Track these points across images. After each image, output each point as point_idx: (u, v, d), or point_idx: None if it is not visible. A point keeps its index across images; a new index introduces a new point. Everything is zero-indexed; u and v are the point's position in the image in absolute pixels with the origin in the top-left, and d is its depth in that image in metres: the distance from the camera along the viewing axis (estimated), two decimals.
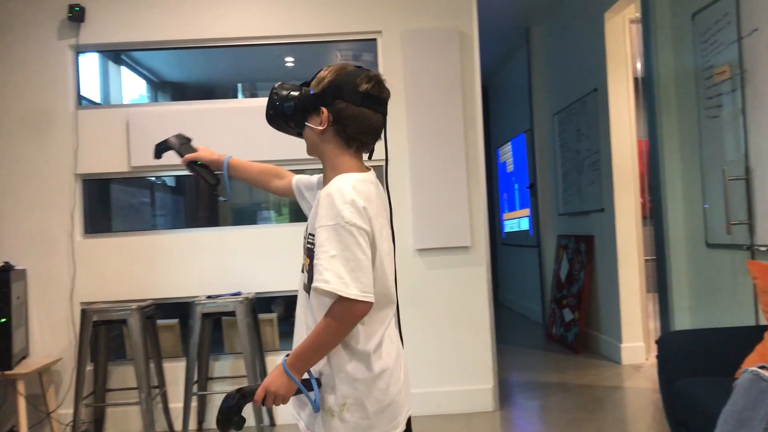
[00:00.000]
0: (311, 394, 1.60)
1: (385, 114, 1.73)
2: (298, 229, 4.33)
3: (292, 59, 5.23)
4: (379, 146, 1.79)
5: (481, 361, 4.26)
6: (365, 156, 1.77)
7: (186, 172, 4.38)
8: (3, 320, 3.72)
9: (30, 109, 4.24)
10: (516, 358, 5.82)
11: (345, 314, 1.53)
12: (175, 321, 4.44)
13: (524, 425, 4.13)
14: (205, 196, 5.11)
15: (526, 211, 7.84)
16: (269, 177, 2.07)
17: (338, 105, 1.66)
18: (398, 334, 1.73)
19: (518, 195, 8.23)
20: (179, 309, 4.41)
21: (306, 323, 1.66)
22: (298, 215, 4.90)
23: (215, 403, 4.17)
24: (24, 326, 4.06)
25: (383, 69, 4.33)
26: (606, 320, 5.62)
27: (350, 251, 1.53)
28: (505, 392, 4.63)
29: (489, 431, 3.96)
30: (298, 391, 1.59)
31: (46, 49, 4.26)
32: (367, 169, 1.73)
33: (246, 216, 4.97)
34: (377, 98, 1.68)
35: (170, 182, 5.44)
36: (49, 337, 4.20)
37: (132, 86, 5.32)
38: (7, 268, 3.83)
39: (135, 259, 4.25)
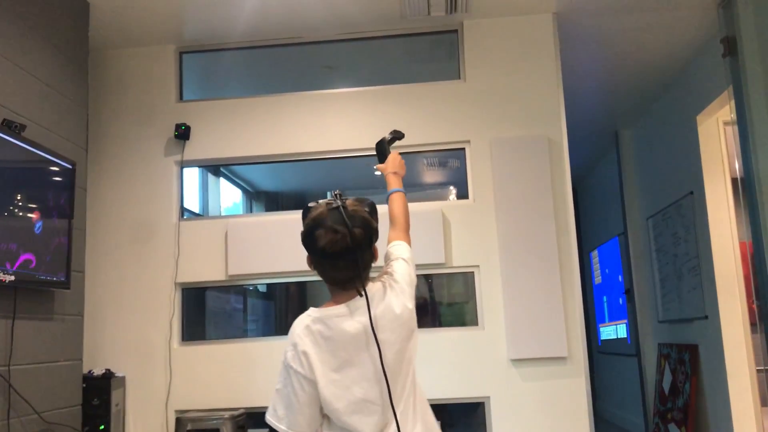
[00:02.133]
0: None
1: (356, 258, 1.70)
2: None
3: None
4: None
5: None
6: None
7: (278, 280, 4.50)
8: (102, 427, 3.80)
9: (136, 221, 4.49)
10: None
11: None
12: (266, 431, 4.41)
13: None
14: (295, 301, 5.18)
15: (623, 321, 7.53)
16: None
17: (311, 247, 1.74)
18: None
19: (610, 303, 7.95)
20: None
21: None
22: None
23: None
24: None
25: (472, 176, 4.37)
26: None
27: (287, 389, 1.69)
28: None
29: None
30: None
31: (153, 164, 4.55)
32: (350, 299, 1.72)
33: None
34: (335, 255, 1.69)
35: (262, 288, 5.57)
36: None
37: (229, 195, 5.58)
38: (109, 375, 3.95)
39: (228, 367, 4.30)
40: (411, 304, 1.78)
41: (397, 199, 2.05)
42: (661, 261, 6.28)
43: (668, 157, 5.94)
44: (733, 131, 4.99)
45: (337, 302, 1.74)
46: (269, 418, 1.71)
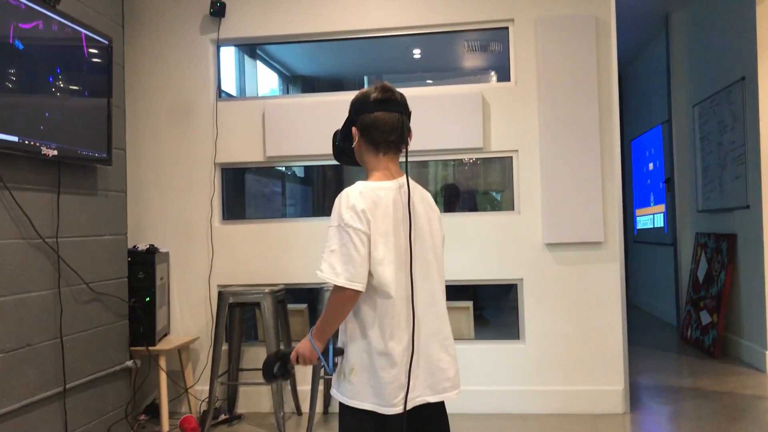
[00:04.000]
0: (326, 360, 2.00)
1: (401, 112, 2.04)
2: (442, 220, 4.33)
3: (419, 51, 5.23)
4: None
5: (611, 362, 4.09)
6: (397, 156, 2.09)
7: (316, 163, 4.52)
8: (147, 299, 3.97)
9: (174, 101, 4.49)
10: (647, 360, 5.55)
11: (338, 297, 1.93)
12: (303, 306, 4.58)
13: (657, 430, 3.94)
14: (332, 186, 5.23)
15: (661, 207, 7.46)
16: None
17: (360, 119, 2.04)
18: (410, 329, 1.97)
19: (652, 190, 7.85)
20: (308, 294, 4.54)
21: None
22: None
23: None
24: (166, 306, 4.31)
25: (514, 58, 4.24)
26: (749, 324, 5.24)
27: (346, 248, 1.90)
28: (635, 395, 4.43)
29: None
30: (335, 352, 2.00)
31: (189, 43, 4.49)
32: (394, 177, 2.04)
33: None
34: (387, 100, 2.03)
35: (299, 172, 5.60)
36: (188, 317, 4.44)
37: (266, 80, 5.52)
38: (153, 250, 4.08)
39: (267, 245, 4.41)
40: (443, 231, 2.16)
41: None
42: (704, 150, 6.14)
43: (721, 40, 5.67)
44: None
45: (385, 177, 2.02)
46: (328, 276, 1.91)
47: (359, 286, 1.90)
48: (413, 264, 1.98)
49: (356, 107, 2.06)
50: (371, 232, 1.92)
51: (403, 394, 1.95)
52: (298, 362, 2.03)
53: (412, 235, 1.99)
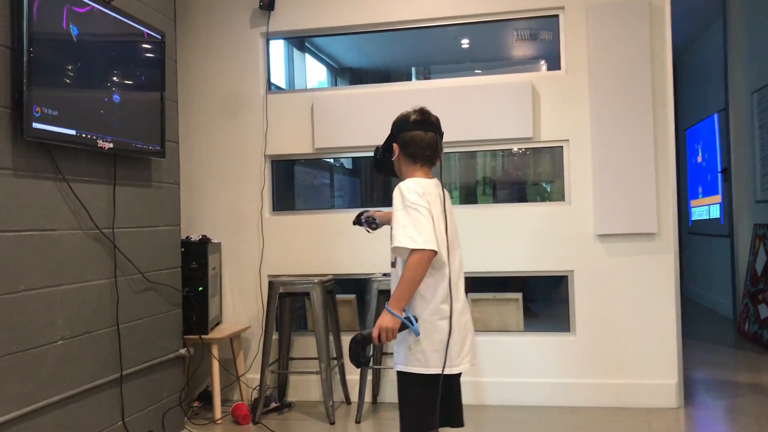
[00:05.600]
0: (410, 327, 2.22)
1: (435, 132, 2.40)
2: (471, 210, 4.31)
3: (467, 41, 5.19)
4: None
5: (664, 355, 4.01)
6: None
7: (363, 154, 4.53)
8: (200, 288, 4.04)
9: (225, 94, 4.56)
10: (702, 354, 5.42)
11: (415, 259, 2.17)
12: (352, 296, 4.60)
13: (712, 426, 3.85)
14: (379, 177, 5.23)
15: (717, 198, 7.25)
16: None
17: (401, 136, 2.39)
18: (459, 299, 2.32)
19: (704, 183, 7.64)
20: (356, 285, 4.56)
21: (392, 284, 2.35)
22: (467, 197, 4.88)
23: (389, 377, 4.27)
24: (218, 295, 4.39)
25: (565, 47, 4.17)
26: None
27: (416, 220, 2.20)
28: (689, 389, 4.33)
29: (673, 429, 3.72)
30: (402, 327, 2.20)
31: (239, 36, 4.55)
32: (431, 177, 2.40)
33: None
34: (423, 122, 2.38)
35: (347, 164, 5.63)
36: (240, 306, 4.52)
37: (314, 73, 5.55)
38: (205, 241, 4.15)
39: (317, 237, 4.44)
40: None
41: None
42: (764, 138, 5.94)
43: None
44: None
45: (426, 177, 2.38)
46: (406, 245, 2.18)
47: (434, 246, 2.17)
48: (453, 246, 2.34)
49: (397, 126, 2.42)
50: (432, 210, 2.24)
51: (463, 354, 2.31)
52: (380, 341, 2.21)
53: (448, 220, 2.35)
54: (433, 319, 2.25)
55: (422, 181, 2.33)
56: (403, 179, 2.39)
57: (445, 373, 2.23)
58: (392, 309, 2.20)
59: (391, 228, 2.29)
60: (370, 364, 2.46)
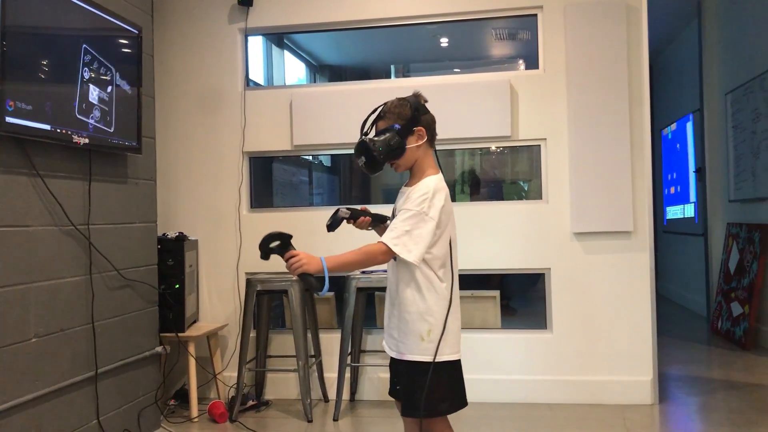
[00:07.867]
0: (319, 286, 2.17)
1: None
2: (469, 209, 4.32)
3: (446, 39, 5.21)
4: None
5: (640, 352, 4.06)
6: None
7: (342, 151, 4.52)
8: (177, 286, 4.01)
9: (203, 90, 4.52)
10: (676, 351, 5.49)
11: (383, 255, 2.16)
12: (330, 294, 4.59)
13: (686, 422, 3.90)
14: (358, 175, 5.23)
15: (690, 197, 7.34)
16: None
17: (424, 119, 2.22)
18: (457, 291, 2.32)
19: (678, 183, 7.73)
20: (335, 283, 4.55)
21: (390, 278, 2.34)
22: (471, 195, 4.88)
23: (368, 375, 4.28)
24: (195, 292, 4.36)
25: (543, 46, 4.19)
26: None
27: (421, 231, 2.14)
28: (664, 386, 4.38)
29: (648, 425, 3.76)
30: (310, 280, 2.18)
31: (218, 32, 4.51)
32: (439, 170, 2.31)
33: (394, 195, 5.02)
34: (425, 104, 2.28)
35: (326, 161, 5.62)
36: (217, 304, 4.49)
37: (293, 70, 5.53)
38: (182, 238, 4.12)
39: (294, 234, 4.39)
40: None
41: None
42: (737, 138, 6.03)
43: (754, 26, 5.55)
44: None
45: (437, 171, 2.28)
46: (398, 252, 2.14)
47: (418, 261, 2.16)
48: (454, 241, 2.32)
49: (415, 108, 2.20)
50: (441, 217, 2.18)
51: (459, 344, 2.31)
52: (288, 262, 2.18)
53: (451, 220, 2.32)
54: (443, 311, 2.23)
55: (445, 187, 2.23)
56: (415, 169, 2.28)
57: (454, 358, 2.26)
58: (327, 264, 2.13)
59: (392, 217, 2.31)
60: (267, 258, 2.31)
